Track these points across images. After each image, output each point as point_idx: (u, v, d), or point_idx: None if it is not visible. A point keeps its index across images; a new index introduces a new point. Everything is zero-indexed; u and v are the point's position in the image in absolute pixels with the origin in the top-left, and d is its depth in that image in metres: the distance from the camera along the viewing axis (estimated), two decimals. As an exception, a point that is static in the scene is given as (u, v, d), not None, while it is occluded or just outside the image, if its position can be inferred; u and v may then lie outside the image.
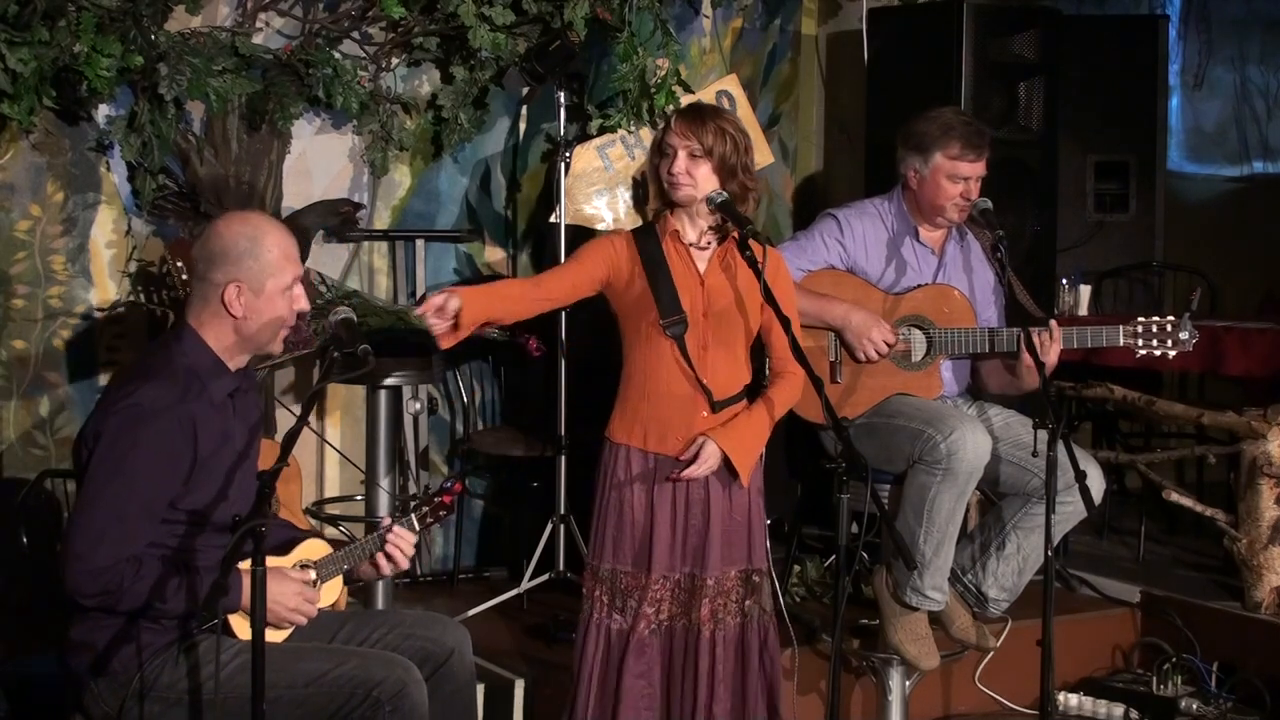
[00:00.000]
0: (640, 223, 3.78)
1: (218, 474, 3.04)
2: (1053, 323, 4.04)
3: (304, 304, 3.12)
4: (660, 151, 3.55)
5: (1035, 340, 3.95)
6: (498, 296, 3.56)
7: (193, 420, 2.97)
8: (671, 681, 3.56)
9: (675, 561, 3.54)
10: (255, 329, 3.06)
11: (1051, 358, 4.02)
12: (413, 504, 3.26)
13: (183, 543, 3.00)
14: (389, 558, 3.18)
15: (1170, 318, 4.12)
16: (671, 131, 3.53)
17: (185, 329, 3.07)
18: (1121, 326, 4.14)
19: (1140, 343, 4.13)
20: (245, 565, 2.92)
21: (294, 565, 3.10)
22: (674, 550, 3.54)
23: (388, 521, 3.19)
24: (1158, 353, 4.12)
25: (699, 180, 3.50)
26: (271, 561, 3.04)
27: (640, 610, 3.52)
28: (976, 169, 4.16)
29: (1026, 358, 3.98)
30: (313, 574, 3.09)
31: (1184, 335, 4.11)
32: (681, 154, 3.50)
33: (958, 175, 4.15)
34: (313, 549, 3.16)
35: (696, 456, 3.50)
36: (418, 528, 3.22)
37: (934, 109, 4.36)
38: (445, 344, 3.46)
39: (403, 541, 3.18)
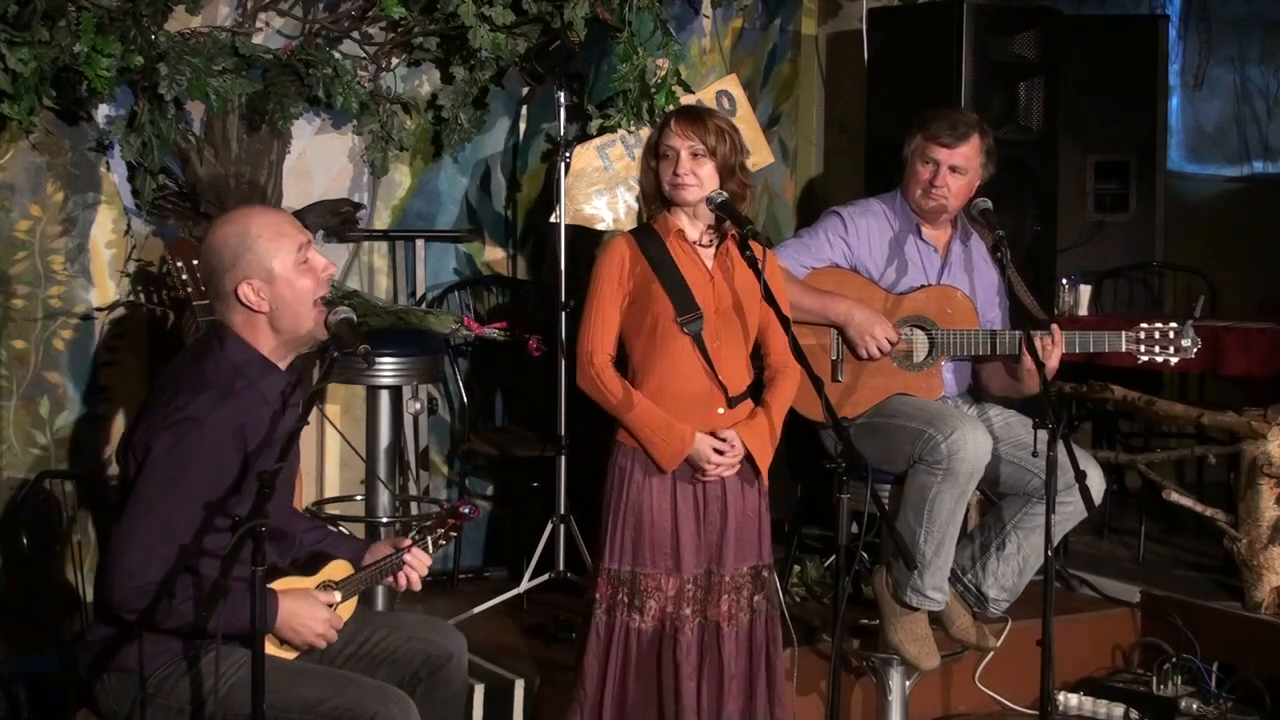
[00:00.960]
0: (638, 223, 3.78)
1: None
2: (1054, 326, 4.05)
3: (324, 266, 3.03)
4: (658, 154, 3.55)
5: (1037, 343, 3.95)
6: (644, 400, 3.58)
7: (244, 427, 2.94)
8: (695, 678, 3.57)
9: (701, 559, 3.56)
10: (289, 315, 3.00)
11: (1053, 361, 4.02)
12: (426, 526, 3.26)
13: (219, 549, 2.93)
14: (407, 575, 3.20)
15: (1173, 324, 4.12)
16: (670, 133, 3.53)
17: (228, 333, 3.01)
18: (1124, 332, 4.14)
19: (1142, 349, 4.13)
20: (279, 585, 2.97)
21: (318, 585, 3.10)
22: (698, 549, 3.56)
23: (406, 543, 3.21)
24: (1159, 359, 4.12)
25: (704, 179, 3.50)
26: (297, 582, 3.06)
27: (680, 613, 3.53)
28: (949, 155, 4.15)
29: (1028, 361, 3.99)
30: (338, 595, 3.09)
31: (1186, 342, 4.11)
32: (684, 154, 3.50)
33: (929, 156, 4.16)
34: (337, 570, 3.16)
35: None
36: (432, 550, 3.24)
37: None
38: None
39: (419, 564, 3.20)
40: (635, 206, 4.88)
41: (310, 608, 2.99)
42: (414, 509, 4.83)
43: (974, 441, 3.96)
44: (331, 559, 3.18)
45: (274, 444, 3.01)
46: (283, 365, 3.06)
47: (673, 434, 3.51)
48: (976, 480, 4.04)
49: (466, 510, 3.26)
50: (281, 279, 2.98)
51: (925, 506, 4.01)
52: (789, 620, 4.03)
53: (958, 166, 4.16)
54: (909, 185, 4.23)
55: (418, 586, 3.22)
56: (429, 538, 3.23)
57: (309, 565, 3.14)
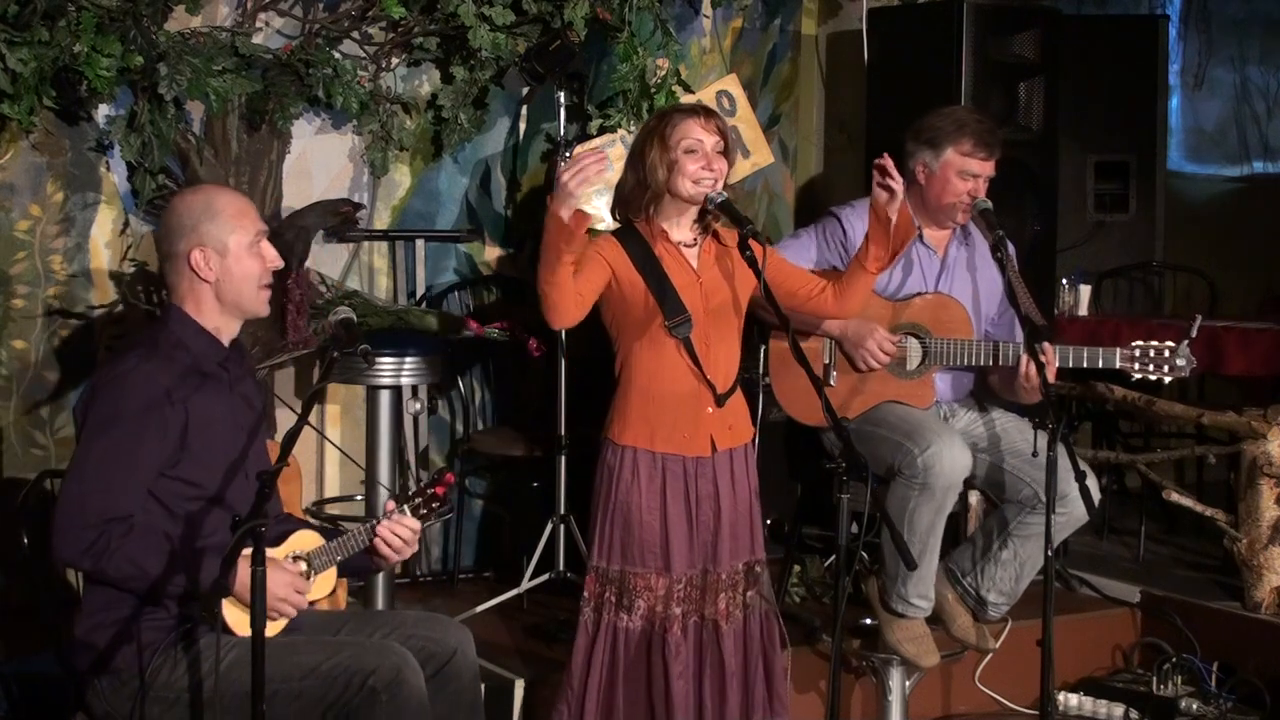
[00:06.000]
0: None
1: (216, 444, 3.06)
2: (1045, 345, 3.97)
3: (276, 260, 3.16)
4: (681, 149, 3.49)
5: (1025, 368, 3.94)
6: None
7: (179, 387, 3.02)
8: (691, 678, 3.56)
9: (693, 558, 3.56)
10: (233, 290, 3.12)
11: (1049, 376, 3.98)
12: (404, 494, 3.21)
13: (178, 515, 3.02)
14: (388, 544, 3.12)
15: (1169, 344, 4.09)
16: (695, 126, 3.49)
17: (169, 308, 3.14)
18: (1119, 350, 4.10)
19: (1137, 366, 4.10)
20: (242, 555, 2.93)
21: (286, 557, 3.09)
22: (691, 548, 3.55)
23: (390, 506, 3.15)
24: (1153, 377, 4.09)
25: (724, 176, 3.51)
26: None
27: (669, 612, 3.52)
28: (986, 168, 4.15)
29: (1023, 378, 3.96)
30: (304, 565, 3.10)
31: (1180, 362, 4.07)
32: (710, 149, 3.48)
33: (968, 172, 4.14)
34: (304, 540, 3.15)
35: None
36: (410, 515, 3.17)
37: (946, 107, 4.37)
38: (562, 209, 3.34)
39: (401, 528, 3.12)
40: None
41: (271, 573, 2.91)
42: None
43: (950, 457, 3.96)
44: (297, 530, 3.17)
45: (224, 415, 3.09)
46: (223, 339, 3.15)
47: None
48: (955, 493, 4.05)
49: (440, 475, 3.21)
50: (233, 255, 3.11)
51: (905, 519, 4.01)
52: (779, 619, 4.01)
53: (992, 175, 4.17)
54: (940, 197, 4.17)
55: (408, 552, 3.14)
56: (406, 506, 3.15)
57: (274, 540, 3.10)
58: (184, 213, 3.12)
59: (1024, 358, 3.94)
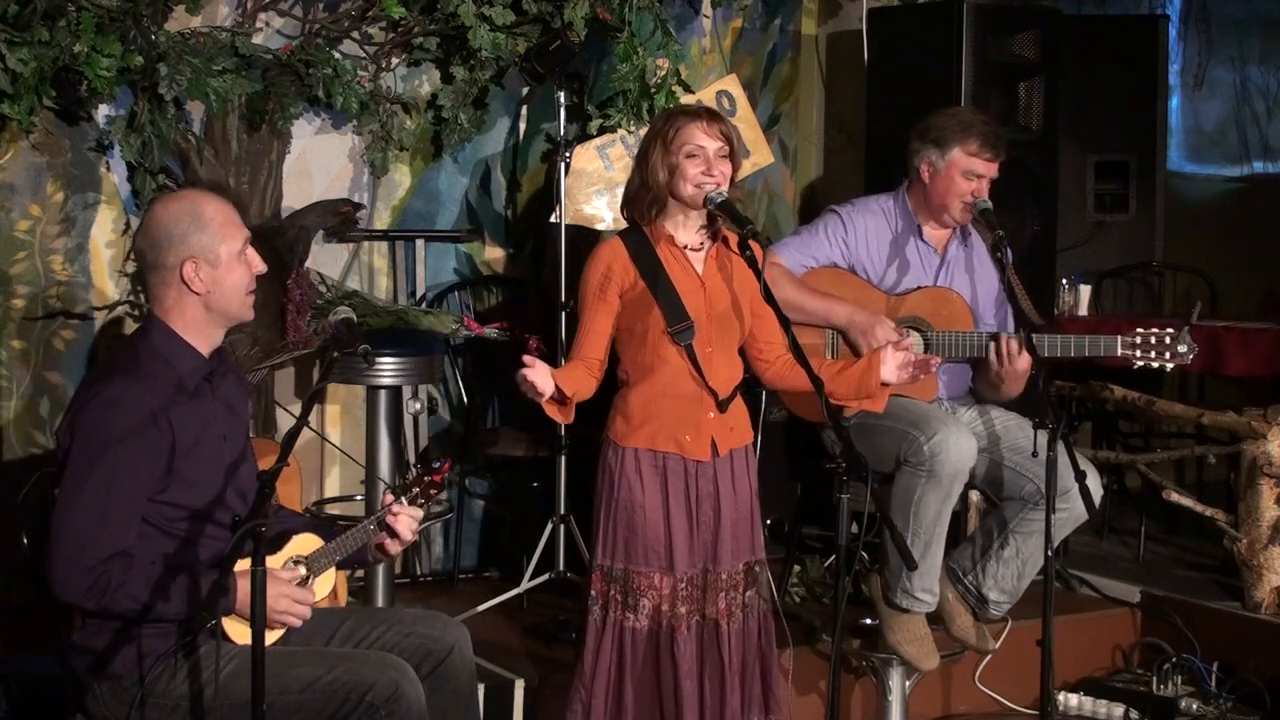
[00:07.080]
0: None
1: (203, 462, 3.03)
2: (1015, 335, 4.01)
3: (260, 265, 3.12)
4: (683, 153, 3.48)
5: (1003, 345, 3.99)
6: (570, 379, 3.49)
7: (166, 408, 2.97)
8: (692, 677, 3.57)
9: (694, 558, 3.56)
10: (222, 300, 3.07)
11: (1020, 365, 4.01)
12: (401, 485, 3.19)
13: (173, 536, 2.99)
14: (394, 534, 3.13)
15: (1169, 330, 4.09)
16: (698, 131, 3.48)
17: (151, 320, 3.08)
18: (1120, 337, 4.11)
19: (1138, 354, 4.10)
20: (239, 566, 2.90)
21: (285, 563, 3.08)
22: (692, 547, 3.55)
23: (389, 499, 3.15)
24: (1155, 365, 4.09)
25: (727, 179, 3.50)
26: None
27: (675, 612, 3.52)
28: (991, 169, 4.16)
29: (994, 365, 4.02)
30: (303, 570, 3.07)
31: (1182, 349, 4.07)
32: (713, 153, 3.48)
33: (973, 172, 4.15)
34: (304, 544, 3.13)
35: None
36: (408, 504, 3.17)
37: (951, 107, 4.37)
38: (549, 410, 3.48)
39: (404, 515, 3.13)
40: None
41: (270, 586, 2.91)
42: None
43: (956, 444, 3.96)
44: (296, 534, 3.14)
45: (208, 428, 3.04)
46: (205, 350, 3.09)
47: None
48: (961, 483, 4.04)
49: (438, 464, 3.20)
50: (225, 266, 3.06)
51: (911, 509, 4.00)
52: (782, 618, 4.01)
53: (995, 176, 4.17)
54: (943, 196, 4.18)
55: (410, 538, 3.15)
56: (403, 497, 3.15)
57: (273, 544, 3.08)
58: (170, 223, 3.04)
59: (1003, 336, 4.00)
